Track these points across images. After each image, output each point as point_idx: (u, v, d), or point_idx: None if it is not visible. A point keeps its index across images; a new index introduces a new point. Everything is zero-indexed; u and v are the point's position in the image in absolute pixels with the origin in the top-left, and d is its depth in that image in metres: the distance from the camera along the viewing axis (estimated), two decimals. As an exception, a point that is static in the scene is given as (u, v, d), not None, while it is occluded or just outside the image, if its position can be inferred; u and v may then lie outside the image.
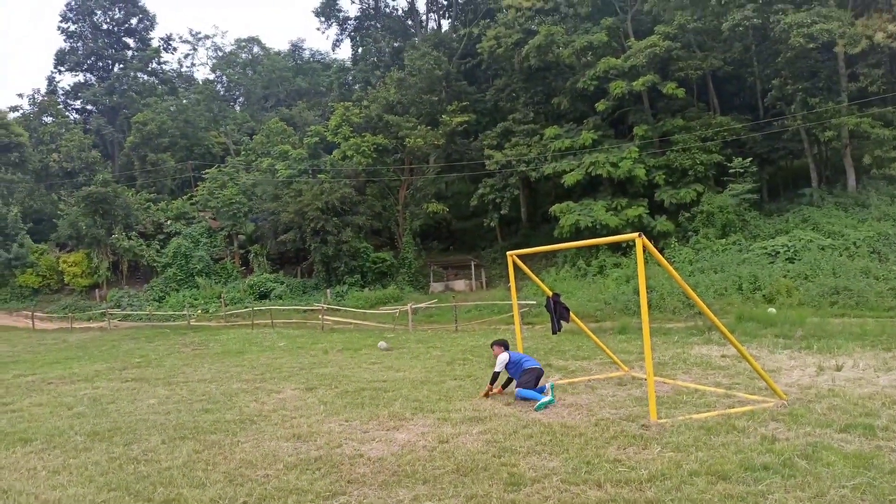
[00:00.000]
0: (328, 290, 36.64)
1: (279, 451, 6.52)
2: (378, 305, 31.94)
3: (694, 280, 22.74)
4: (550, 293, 9.81)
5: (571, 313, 9.80)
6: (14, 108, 55.10)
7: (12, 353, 20.36)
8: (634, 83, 32.05)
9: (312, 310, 28.56)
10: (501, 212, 38.33)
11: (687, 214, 31.13)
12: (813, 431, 6.01)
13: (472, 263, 38.84)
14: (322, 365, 13.23)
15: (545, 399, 7.93)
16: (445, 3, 54.24)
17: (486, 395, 8.69)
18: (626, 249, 30.44)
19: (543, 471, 5.35)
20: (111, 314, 34.14)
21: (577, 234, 31.15)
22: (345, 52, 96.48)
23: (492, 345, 9.14)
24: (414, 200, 41.14)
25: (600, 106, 33.62)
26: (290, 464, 6.00)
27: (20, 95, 68.29)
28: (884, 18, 28.16)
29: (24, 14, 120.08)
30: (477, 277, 38.36)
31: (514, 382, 8.62)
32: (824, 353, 10.82)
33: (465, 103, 41.57)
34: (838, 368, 9.31)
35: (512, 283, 10.30)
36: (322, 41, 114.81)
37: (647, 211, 31.78)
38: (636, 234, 7.10)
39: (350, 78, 58.45)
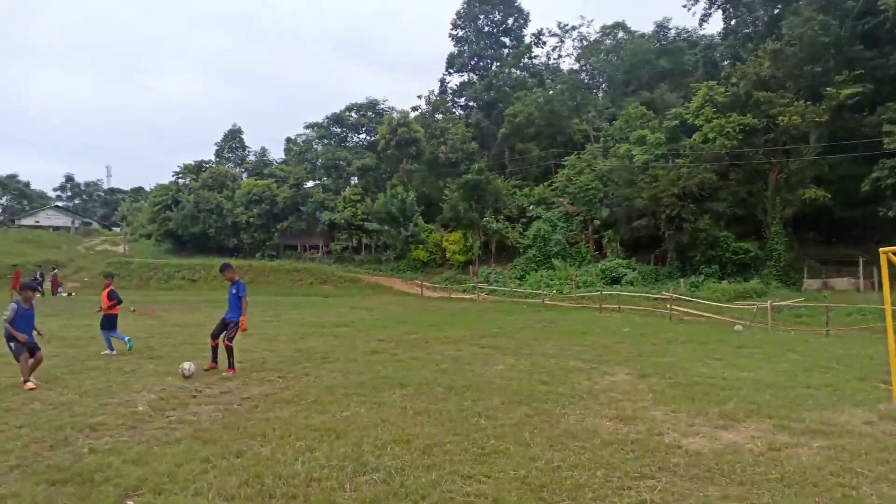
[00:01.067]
0: (682, 280, 35.36)
1: (600, 427, 6.84)
2: (736, 300, 29.70)
3: None
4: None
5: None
6: (415, 108, 65.65)
7: (404, 314, 24.67)
8: None
9: (662, 298, 28.00)
10: (904, 199, 31.85)
11: None
12: None
13: (861, 260, 33.22)
14: (661, 354, 13.07)
15: None
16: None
17: None
18: None
19: (891, 500, 4.62)
20: (480, 288, 38.57)
21: None
22: (714, 27, 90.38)
23: None
24: (787, 185, 36.82)
25: None
26: (607, 441, 6.27)
27: (419, 97, 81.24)
28: None
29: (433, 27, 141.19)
30: (866, 276, 32.76)
31: None
32: None
33: (859, 71, 35.41)
34: None
35: (885, 286, 8.71)
36: (689, 19, 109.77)
37: None
38: None
39: (717, 55, 54.64)
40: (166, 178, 72.24)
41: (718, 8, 54.40)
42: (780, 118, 34.46)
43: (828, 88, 34.41)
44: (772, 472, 5.31)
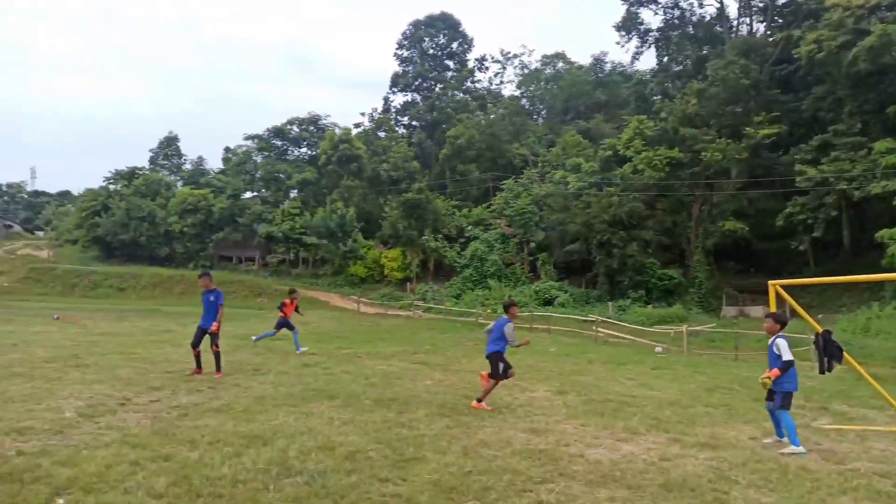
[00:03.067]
0: (610, 303, 36.77)
1: (513, 439, 7.39)
2: (660, 324, 31.17)
3: None
4: (820, 329, 9.03)
5: (845, 353, 8.89)
6: (357, 125, 65.97)
7: (338, 330, 24.85)
8: None
9: (589, 320, 29.11)
10: (814, 234, 34.43)
11: None
12: None
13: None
14: (581, 373, 13.82)
15: (800, 450, 7.21)
16: (761, 5, 50.08)
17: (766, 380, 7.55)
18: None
19: (754, 502, 5.31)
20: (417, 305, 39.02)
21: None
22: (646, 63, 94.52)
23: (767, 317, 8.10)
24: (709, 217, 39.05)
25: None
26: (518, 450, 6.81)
27: (362, 114, 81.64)
28: None
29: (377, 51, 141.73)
30: (780, 305, 34.79)
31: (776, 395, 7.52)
32: None
33: (775, 114, 38.10)
34: None
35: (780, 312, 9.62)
36: (624, 54, 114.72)
37: None
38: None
39: (648, 90, 57.45)
40: (96, 184, 69.73)
41: (650, 46, 57.31)
42: (703, 153, 36.59)
43: (747, 128, 36.83)
44: (658, 478, 5.95)
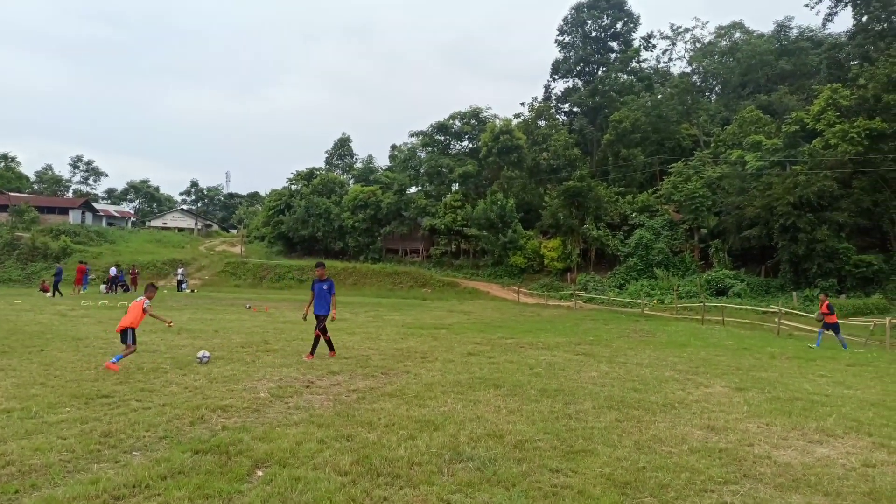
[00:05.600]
0: (795, 293, 33.59)
1: (689, 435, 6.99)
2: (856, 315, 27.97)
3: None
4: None
5: None
6: (517, 115, 65.92)
7: (500, 319, 25.09)
8: None
9: (771, 312, 26.79)
10: None
11: None
12: None
13: None
14: (762, 369, 12.76)
15: None
16: None
17: None
18: None
19: None
20: (578, 295, 38.34)
21: None
22: (840, 26, 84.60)
23: None
24: (918, 195, 34.18)
25: None
26: (695, 448, 6.44)
27: (522, 104, 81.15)
28: None
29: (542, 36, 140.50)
30: None
31: None
32: None
33: None
34: None
35: None
36: (813, 17, 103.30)
37: None
38: None
39: (843, 55, 51.23)
40: (280, 185, 76.79)
41: (846, 5, 51.04)
42: (911, 123, 32.08)
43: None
44: (861, 485, 5.33)
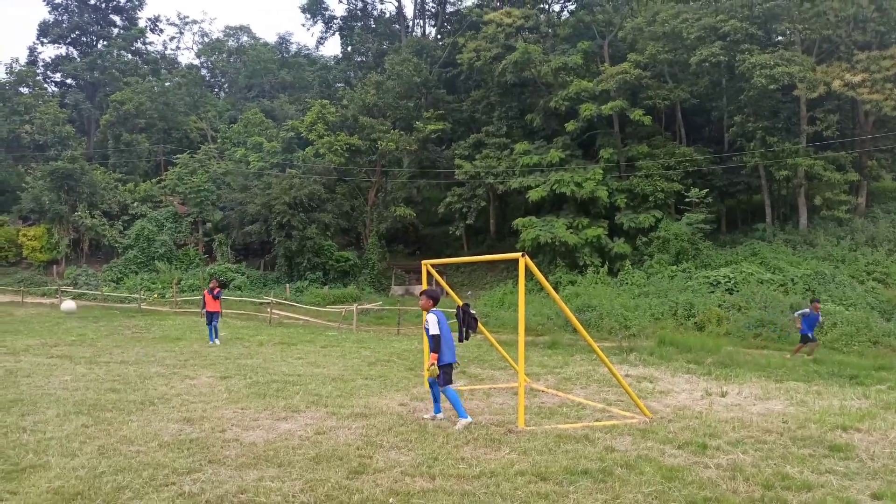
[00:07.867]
0: (288, 285, 36.78)
1: (162, 431, 6.88)
2: (335, 304, 32.21)
3: (635, 303, 23.41)
4: (461, 303, 10.25)
5: (480, 324, 10.25)
6: (-12, 73, 54.60)
7: (-46, 321, 20.36)
8: (604, 107, 32.88)
9: (266, 303, 28.76)
10: (467, 221, 38.85)
11: (644, 239, 31.84)
12: (653, 446, 6.50)
13: (436, 269, 39.23)
14: (249, 356, 13.55)
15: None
16: (433, 10, 54.87)
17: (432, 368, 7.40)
18: (582, 268, 31.18)
19: (391, 463, 5.78)
20: (65, 291, 33.97)
21: (538, 248, 31.86)
22: (332, 50, 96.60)
23: (420, 294, 8.23)
24: (383, 203, 41.47)
25: (570, 126, 34.26)
26: (165, 443, 6.36)
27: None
28: (842, 67, 29.24)
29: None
30: (431, 283, 38.79)
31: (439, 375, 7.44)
32: (720, 380, 11.40)
33: (441, 112, 42.13)
34: (723, 395, 9.85)
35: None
36: (310, 38, 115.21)
37: (607, 232, 32.42)
38: (519, 254, 7.58)
39: (332, 76, 58.68)
40: None
41: (335, 33, 58.57)
42: (379, 142, 38.75)
43: (418, 122, 40.01)
44: (310, 452, 6.11)
